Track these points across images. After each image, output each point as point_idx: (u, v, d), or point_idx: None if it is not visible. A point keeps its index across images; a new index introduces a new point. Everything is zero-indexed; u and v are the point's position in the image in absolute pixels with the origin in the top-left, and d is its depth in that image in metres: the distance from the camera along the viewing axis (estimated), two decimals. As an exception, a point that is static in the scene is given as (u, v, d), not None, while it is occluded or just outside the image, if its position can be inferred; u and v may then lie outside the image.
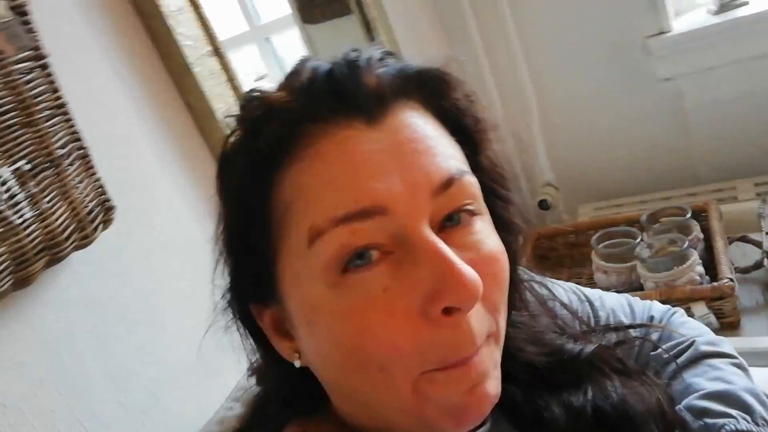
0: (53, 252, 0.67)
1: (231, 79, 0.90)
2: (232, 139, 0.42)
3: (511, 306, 0.49)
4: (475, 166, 0.43)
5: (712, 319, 1.04)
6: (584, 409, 0.48)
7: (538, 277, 0.55)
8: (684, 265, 1.09)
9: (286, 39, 1.43)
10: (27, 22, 0.66)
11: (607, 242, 1.27)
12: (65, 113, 0.70)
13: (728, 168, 1.48)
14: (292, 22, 1.35)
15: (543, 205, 1.65)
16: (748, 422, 0.49)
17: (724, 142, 1.48)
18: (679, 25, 1.43)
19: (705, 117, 1.48)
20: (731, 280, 1.05)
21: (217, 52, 0.89)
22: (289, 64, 0.43)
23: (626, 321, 0.62)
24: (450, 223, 0.40)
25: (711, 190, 1.47)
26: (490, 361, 0.40)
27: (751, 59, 1.37)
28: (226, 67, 0.90)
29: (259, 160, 0.40)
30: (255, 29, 1.40)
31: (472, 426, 0.40)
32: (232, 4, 1.37)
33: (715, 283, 1.06)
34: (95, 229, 0.72)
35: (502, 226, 0.45)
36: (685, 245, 1.12)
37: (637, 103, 1.53)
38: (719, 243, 1.15)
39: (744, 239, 1.21)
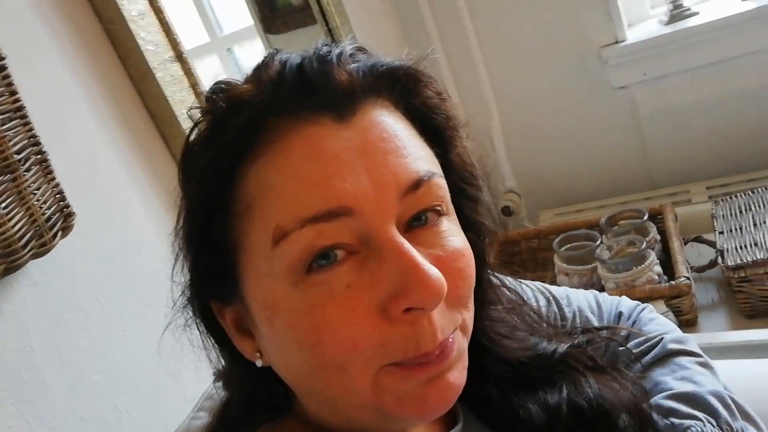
0: (9, 260, 0.65)
1: (194, 85, 0.89)
2: (196, 131, 0.41)
3: (487, 301, 0.50)
4: (445, 165, 0.43)
5: (671, 316, 1.07)
6: (560, 406, 0.48)
7: (507, 280, 0.55)
8: (642, 265, 1.13)
9: (249, 50, 1.41)
10: (-18, 24, 0.64)
11: (569, 245, 1.30)
12: (23, 116, 0.68)
13: (682, 172, 1.53)
14: (254, 32, 1.33)
15: (506, 211, 1.67)
16: (714, 426, 0.49)
17: (677, 147, 1.53)
18: (633, 34, 1.48)
19: (659, 123, 1.53)
20: (688, 278, 1.08)
21: (180, 57, 0.88)
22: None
23: (593, 318, 0.63)
24: (417, 223, 0.39)
25: (666, 193, 1.52)
26: (454, 351, 0.39)
27: (701, 67, 1.43)
28: (188, 72, 0.89)
29: (223, 152, 0.38)
30: (216, 40, 1.37)
31: (437, 415, 0.40)
32: (193, 14, 1.35)
33: (672, 282, 1.09)
34: (54, 236, 0.70)
35: (470, 226, 0.45)
36: (643, 246, 1.16)
37: (594, 111, 1.57)
38: (675, 244, 1.18)
39: (698, 240, 1.26)
